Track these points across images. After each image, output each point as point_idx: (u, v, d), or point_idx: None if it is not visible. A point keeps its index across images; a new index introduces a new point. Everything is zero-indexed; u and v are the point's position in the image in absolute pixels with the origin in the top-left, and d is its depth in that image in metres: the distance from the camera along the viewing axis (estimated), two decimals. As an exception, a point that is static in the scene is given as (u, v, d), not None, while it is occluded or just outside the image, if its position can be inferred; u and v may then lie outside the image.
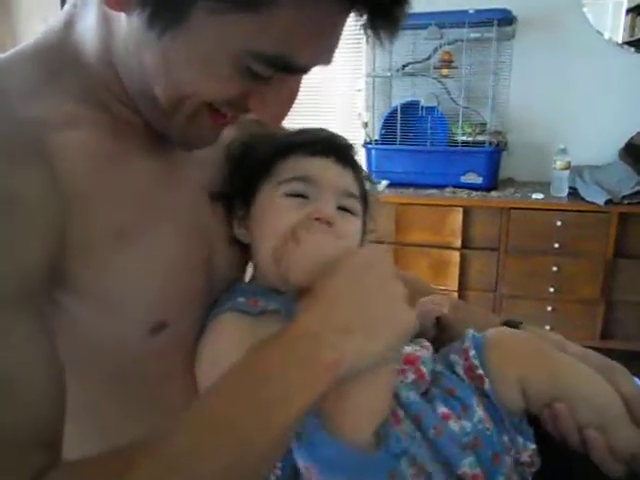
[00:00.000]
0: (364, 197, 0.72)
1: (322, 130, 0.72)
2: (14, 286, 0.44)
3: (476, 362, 0.64)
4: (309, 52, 0.48)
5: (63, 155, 0.49)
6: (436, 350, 0.70)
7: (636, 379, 0.64)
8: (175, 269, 0.58)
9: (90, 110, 0.54)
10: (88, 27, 0.53)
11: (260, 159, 0.68)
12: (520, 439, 0.62)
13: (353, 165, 0.70)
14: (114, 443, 0.60)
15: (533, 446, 0.62)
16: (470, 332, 0.68)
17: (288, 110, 0.55)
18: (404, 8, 0.46)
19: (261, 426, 0.45)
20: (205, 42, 0.46)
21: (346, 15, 0.47)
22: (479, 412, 0.61)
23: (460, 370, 0.65)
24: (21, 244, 0.45)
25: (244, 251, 0.69)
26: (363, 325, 0.50)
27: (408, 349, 0.66)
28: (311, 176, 0.65)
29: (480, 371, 0.63)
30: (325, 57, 0.50)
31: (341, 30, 0.49)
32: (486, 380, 0.63)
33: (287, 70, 0.49)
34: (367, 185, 0.74)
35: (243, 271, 0.70)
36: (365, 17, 0.46)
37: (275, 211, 0.64)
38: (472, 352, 0.64)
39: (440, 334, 0.77)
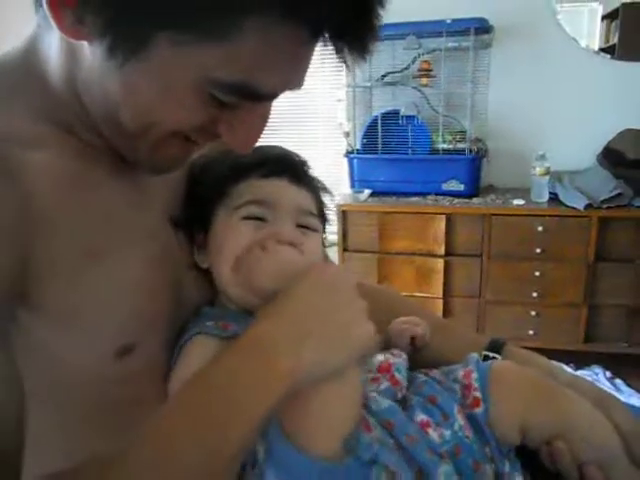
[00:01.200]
0: (322, 212, 0.72)
1: (275, 148, 0.71)
2: None
3: (476, 384, 0.64)
4: (274, 80, 0.48)
5: (27, 175, 0.48)
6: (411, 369, 0.70)
7: (628, 400, 0.65)
8: (141, 292, 0.57)
9: (53, 130, 0.53)
10: (53, 51, 0.52)
11: (214, 182, 0.67)
12: (507, 465, 0.62)
13: (308, 182, 0.69)
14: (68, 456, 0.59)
15: (520, 478, 0.62)
16: (475, 356, 0.68)
17: (258, 136, 0.54)
18: (371, 36, 0.46)
19: (221, 437, 0.45)
20: (167, 71, 0.46)
21: (312, 44, 0.47)
22: (459, 420, 0.61)
23: (456, 386, 0.65)
24: None
25: (210, 275, 0.68)
26: (322, 333, 0.51)
27: (381, 357, 0.66)
28: (267, 199, 0.64)
29: (478, 394, 0.63)
30: (293, 83, 0.50)
31: (309, 57, 0.49)
32: (482, 405, 0.63)
33: (252, 98, 0.48)
34: (325, 198, 0.73)
35: (213, 294, 0.69)
36: (331, 46, 0.46)
37: (232, 235, 0.63)
38: (474, 375, 0.65)
39: (415, 354, 0.77)
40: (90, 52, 0.47)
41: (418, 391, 0.65)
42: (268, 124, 0.55)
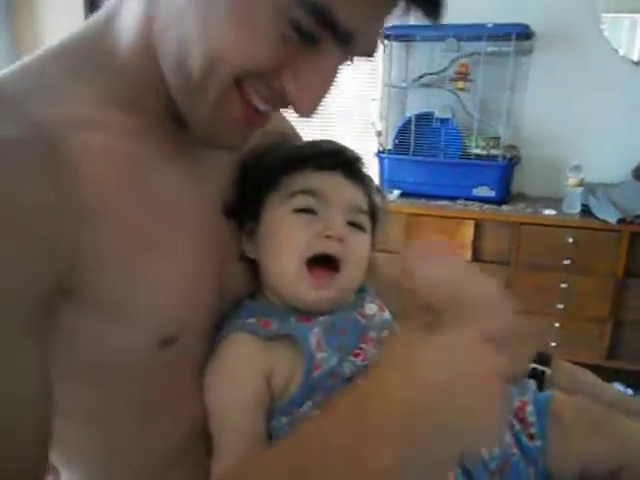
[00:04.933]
0: (373, 212, 0.69)
1: (330, 142, 0.69)
2: (18, 311, 0.43)
3: (531, 419, 0.63)
4: (354, 16, 0.46)
5: (82, 159, 0.47)
6: None
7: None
8: (188, 282, 0.56)
9: (117, 113, 0.53)
10: (130, 17, 0.52)
11: (267, 171, 0.65)
12: None
13: (362, 179, 0.68)
14: (119, 453, 0.59)
15: None
16: (532, 386, 0.67)
17: (321, 97, 0.52)
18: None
19: None
20: None
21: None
22: (507, 437, 0.60)
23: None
24: (28, 263, 0.43)
25: (254, 266, 0.67)
26: (440, 419, 0.42)
27: None
28: (319, 190, 0.63)
29: (533, 430, 0.62)
30: (369, 40, 0.49)
31: (386, 16, 0.48)
32: (537, 441, 0.62)
33: (330, 27, 0.46)
34: (377, 198, 0.71)
35: (255, 286, 0.68)
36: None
37: (284, 228, 0.63)
38: (529, 408, 0.63)
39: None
40: None
41: None
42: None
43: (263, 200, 0.65)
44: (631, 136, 2.68)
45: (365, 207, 0.67)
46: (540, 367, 0.73)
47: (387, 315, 0.66)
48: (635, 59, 2.67)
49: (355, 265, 0.63)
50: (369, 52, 0.50)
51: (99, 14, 0.56)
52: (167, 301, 0.54)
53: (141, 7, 0.52)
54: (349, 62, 0.52)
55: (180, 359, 0.57)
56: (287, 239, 0.62)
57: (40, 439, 0.45)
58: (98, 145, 0.50)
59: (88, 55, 0.54)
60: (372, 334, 0.61)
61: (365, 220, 0.66)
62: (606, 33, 2.67)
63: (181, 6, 0.48)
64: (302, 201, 0.63)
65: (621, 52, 2.68)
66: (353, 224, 0.64)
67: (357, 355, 0.59)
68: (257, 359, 0.58)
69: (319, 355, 0.57)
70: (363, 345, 0.60)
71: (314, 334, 0.58)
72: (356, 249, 0.64)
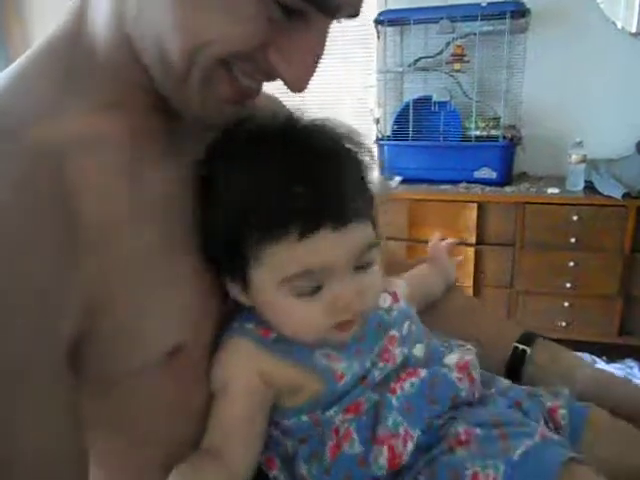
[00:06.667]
0: (374, 222, 0.58)
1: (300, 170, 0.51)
2: (48, 373, 0.43)
3: (563, 422, 0.61)
4: None
5: (82, 184, 0.45)
6: None
7: None
8: (190, 290, 0.54)
9: (108, 120, 0.50)
10: (101, 10, 0.50)
11: (241, 240, 0.52)
12: None
13: (357, 208, 0.53)
14: (119, 456, 0.58)
15: None
16: (567, 394, 0.65)
17: (312, 71, 0.49)
18: None
19: None
20: None
21: None
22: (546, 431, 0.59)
23: (541, 408, 0.62)
24: (47, 329, 0.43)
25: None
26: None
27: (455, 356, 0.62)
28: (316, 266, 0.51)
29: (564, 434, 0.61)
30: (355, 2, 0.47)
31: None
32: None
33: (316, 3, 0.44)
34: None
35: None
36: None
37: (294, 314, 0.54)
38: (562, 411, 0.62)
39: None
40: None
41: (504, 393, 0.62)
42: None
43: (248, 274, 0.54)
44: (632, 109, 2.64)
45: (371, 238, 0.55)
46: (521, 346, 0.72)
47: (403, 304, 0.63)
48: (633, 31, 2.63)
49: (373, 297, 0.57)
50: (355, 13, 0.48)
51: (69, 10, 0.53)
52: (174, 310, 0.52)
53: (111, 6, 0.49)
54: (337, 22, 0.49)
55: (187, 364, 0.55)
56: (300, 322, 0.54)
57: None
58: (94, 164, 0.47)
59: (68, 60, 0.51)
60: (394, 332, 0.59)
61: (373, 254, 0.56)
62: (602, 6, 2.62)
63: (149, 2, 0.46)
64: (302, 284, 0.52)
65: (619, 25, 2.63)
66: (361, 266, 0.54)
67: (386, 360, 0.57)
68: (252, 360, 0.56)
69: (337, 366, 0.55)
70: (390, 347, 0.58)
71: (321, 354, 0.55)
72: (371, 285, 0.55)
